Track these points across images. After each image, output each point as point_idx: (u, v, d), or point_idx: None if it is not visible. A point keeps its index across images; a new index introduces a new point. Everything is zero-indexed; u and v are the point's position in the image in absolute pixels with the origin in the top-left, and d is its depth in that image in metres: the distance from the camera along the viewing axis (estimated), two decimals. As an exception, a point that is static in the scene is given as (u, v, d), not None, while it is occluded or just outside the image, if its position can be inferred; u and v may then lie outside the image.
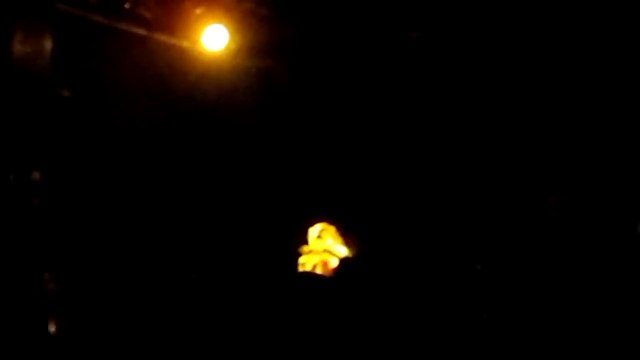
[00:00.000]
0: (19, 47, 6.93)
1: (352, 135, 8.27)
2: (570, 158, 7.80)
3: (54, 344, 6.66)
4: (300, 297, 6.31)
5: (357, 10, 7.81)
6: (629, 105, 7.66)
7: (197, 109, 8.04)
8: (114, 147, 7.63)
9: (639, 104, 7.62)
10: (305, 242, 6.79)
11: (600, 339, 6.41)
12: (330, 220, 6.75)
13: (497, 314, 6.87)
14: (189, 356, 6.98)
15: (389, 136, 8.22)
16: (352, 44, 8.06)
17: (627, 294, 6.65)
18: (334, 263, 6.58)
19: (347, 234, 6.73)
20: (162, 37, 7.61)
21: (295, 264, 6.58)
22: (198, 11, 7.50)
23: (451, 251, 7.54)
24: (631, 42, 7.56)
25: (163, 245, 7.63)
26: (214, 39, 7.57)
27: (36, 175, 6.94)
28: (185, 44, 7.64)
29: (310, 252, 6.68)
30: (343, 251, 6.63)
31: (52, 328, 6.69)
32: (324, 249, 6.63)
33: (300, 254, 6.69)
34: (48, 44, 7.04)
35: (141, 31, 7.52)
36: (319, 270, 6.50)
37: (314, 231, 6.72)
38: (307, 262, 6.60)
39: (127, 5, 7.37)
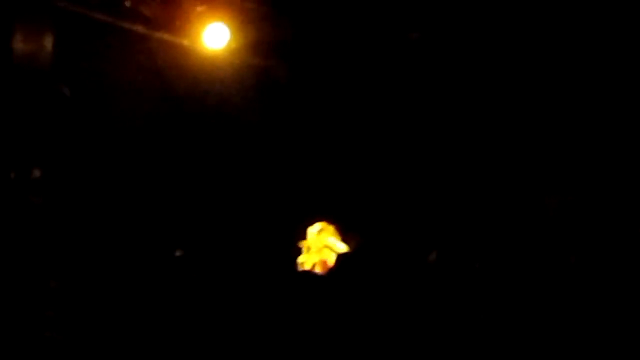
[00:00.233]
0: (19, 45, 6.95)
1: (352, 134, 8.27)
2: (570, 158, 7.80)
3: (53, 343, 6.68)
4: (299, 296, 6.32)
5: (357, 10, 7.81)
6: (628, 105, 7.66)
7: (198, 107, 8.03)
8: (114, 144, 7.63)
9: (639, 104, 7.62)
10: (304, 239, 6.79)
11: (601, 339, 6.42)
12: (330, 219, 6.75)
13: (496, 313, 6.87)
14: (191, 354, 6.99)
15: (389, 136, 8.22)
16: (352, 44, 8.06)
17: (627, 293, 6.66)
18: (332, 261, 6.58)
19: (346, 233, 6.73)
20: (162, 35, 7.61)
21: (295, 263, 6.58)
22: (199, 9, 7.49)
23: (450, 250, 7.54)
24: (631, 42, 7.55)
25: (163, 244, 7.64)
26: (214, 37, 7.56)
27: (36, 172, 6.95)
28: (185, 42, 7.63)
29: (309, 249, 6.68)
30: (342, 247, 6.63)
31: (52, 325, 6.71)
32: (323, 244, 6.62)
33: (299, 250, 6.68)
34: (49, 42, 7.06)
35: (142, 29, 7.51)
36: (318, 270, 6.50)
37: (313, 230, 6.71)
38: (307, 262, 6.59)
39: (127, 3, 7.37)
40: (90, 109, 7.49)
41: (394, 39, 8.05)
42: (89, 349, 6.86)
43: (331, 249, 6.61)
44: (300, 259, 6.60)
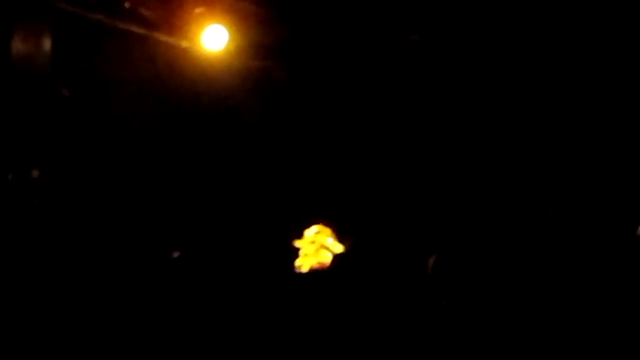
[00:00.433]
0: (18, 46, 6.95)
1: (351, 136, 8.27)
2: (570, 160, 7.79)
3: (53, 341, 6.68)
4: (297, 299, 6.33)
5: (356, 12, 7.81)
6: (628, 107, 7.65)
7: (196, 109, 8.04)
8: (112, 146, 7.64)
9: (638, 105, 7.61)
10: (302, 241, 6.79)
11: (601, 341, 6.41)
12: (327, 222, 6.75)
13: (495, 316, 6.87)
14: (188, 355, 6.99)
15: (388, 138, 8.21)
16: (351, 46, 8.06)
17: (626, 296, 6.65)
18: (329, 262, 6.59)
19: (343, 235, 6.73)
20: (161, 37, 7.61)
21: (292, 265, 6.58)
22: (198, 11, 7.49)
23: (448, 253, 7.54)
24: (630, 43, 7.54)
25: (161, 245, 7.64)
26: (213, 39, 7.57)
27: (35, 173, 6.95)
28: (184, 43, 7.63)
29: (306, 252, 6.68)
30: (339, 249, 6.63)
31: (52, 324, 6.71)
32: (320, 246, 6.63)
33: (296, 252, 6.69)
34: (47, 43, 7.06)
35: (141, 30, 7.51)
36: (315, 272, 6.50)
37: (310, 232, 6.72)
38: (304, 264, 6.60)
39: (126, 5, 7.37)
40: (89, 110, 7.49)
41: (393, 41, 8.05)
42: (88, 348, 6.87)
43: (328, 251, 6.62)
44: (297, 262, 6.61)
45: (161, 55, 7.72)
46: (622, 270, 6.80)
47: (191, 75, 7.84)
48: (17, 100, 6.99)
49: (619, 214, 7.39)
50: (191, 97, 7.96)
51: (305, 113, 8.35)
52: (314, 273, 6.55)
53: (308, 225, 6.70)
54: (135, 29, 7.50)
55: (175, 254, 7.53)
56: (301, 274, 6.52)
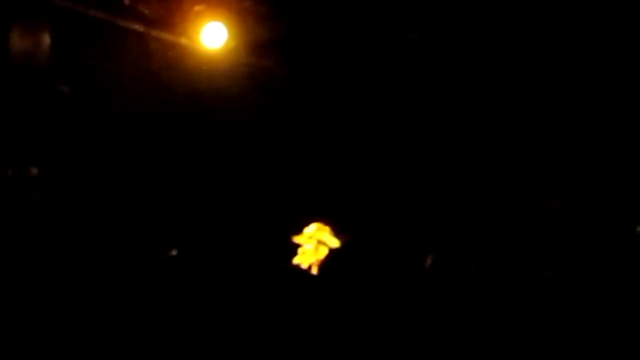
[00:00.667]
0: (17, 42, 6.94)
1: (350, 134, 8.27)
2: (570, 160, 7.80)
3: (52, 340, 6.67)
4: (295, 297, 6.32)
5: (355, 10, 7.80)
6: (628, 106, 7.66)
7: (195, 106, 8.03)
8: (111, 143, 7.63)
9: (638, 105, 7.61)
10: (300, 239, 6.79)
11: (600, 340, 6.41)
12: (326, 220, 6.75)
13: (494, 315, 6.87)
14: (186, 353, 6.99)
15: (388, 136, 8.22)
16: (351, 43, 8.06)
17: (626, 295, 6.65)
18: (328, 259, 6.58)
19: (342, 234, 6.73)
20: (160, 34, 7.61)
21: (291, 263, 6.58)
22: (197, 8, 7.49)
23: (447, 251, 7.54)
24: (630, 43, 7.55)
25: (159, 243, 7.63)
26: (212, 36, 7.56)
27: (34, 170, 6.95)
28: (183, 41, 7.63)
29: (305, 250, 6.68)
30: (338, 245, 6.63)
31: (49, 323, 6.70)
32: (319, 244, 6.62)
33: (295, 248, 6.69)
34: (46, 40, 7.05)
35: (140, 28, 7.51)
36: (314, 271, 6.50)
37: (309, 230, 6.72)
38: (303, 262, 6.60)
39: (126, 1, 7.37)
40: (88, 106, 7.48)
41: (392, 39, 8.05)
42: (86, 346, 6.86)
43: (326, 245, 6.61)
44: (296, 260, 6.60)
45: (160, 52, 7.72)
46: (623, 269, 6.80)
47: (190, 73, 7.84)
48: (16, 97, 6.98)
49: (619, 213, 7.40)
50: (190, 94, 7.95)
51: (305, 110, 8.35)
52: (312, 270, 6.54)
53: (307, 223, 6.70)
54: (134, 26, 7.50)
55: (174, 252, 7.52)
56: (300, 271, 6.51)
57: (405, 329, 6.09)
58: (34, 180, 6.93)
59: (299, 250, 6.64)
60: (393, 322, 6.07)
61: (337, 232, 6.61)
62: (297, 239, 6.63)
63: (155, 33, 7.59)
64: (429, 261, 6.89)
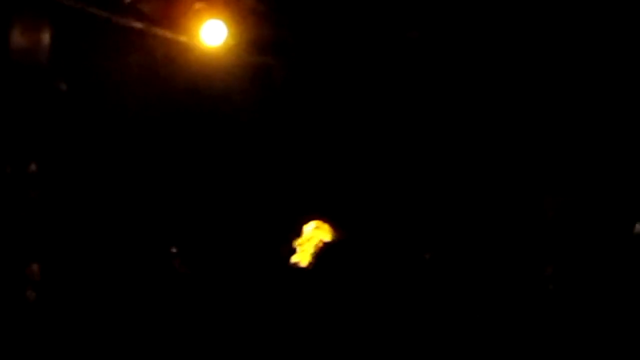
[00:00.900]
0: (17, 40, 6.95)
1: (349, 133, 8.27)
2: (568, 159, 7.81)
3: (45, 336, 6.68)
4: (294, 294, 6.33)
5: (355, 8, 7.81)
6: (626, 106, 7.66)
7: (195, 104, 8.04)
8: (111, 140, 7.63)
9: (637, 104, 7.62)
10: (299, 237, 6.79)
11: (599, 339, 6.43)
12: (325, 217, 6.75)
13: (493, 313, 6.88)
14: (186, 351, 7.00)
15: (387, 134, 8.22)
16: (350, 42, 8.06)
17: (624, 294, 6.66)
18: (327, 258, 6.58)
19: (341, 231, 6.73)
20: (160, 32, 7.61)
21: (289, 261, 6.58)
22: (197, 6, 7.49)
23: (448, 251, 7.56)
24: (630, 43, 7.55)
25: (159, 240, 7.64)
26: (212, 34, 7.57)
27: (33, 167, 6.96)
28: (183, 38, 7.63)
29: (304, 248, 6.68)
30: (337, 244, 6.63)
31: (44, 319, 6.71)
32: (318, 242, 6.62)
33: (294, 247, 6.69)
34: (46, 37, 7.06)
35: (139, 25, 7.52)
36: (313, 268, 6.49)
37: (308, 228, 6.71)
38: (302, 260, 6.59)
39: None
40: (87, 104, 7.49)
41: (392, 37, 8.06)
42: (85, 345, 6.87)
43: (326, 247, 6.61)
44: (295, 257, 6.60)
45: (160, 50, 7.73)
46: (620, 268, 6.82)
47: (190, 71, 7.84)
48: (16, 94, 6.99)
49: (617, 213, 7.41)
50: (189, 92, 7.96)
51: (304, 109, 8.36)
52: (311, 268, 6.55)
53: (306, 221, 6.70)
54: (134, 23, 7.50)
55: (173, 249, 7.54)
56: (299, 270, 6.52)
57: (405, 328, 6.11)
58: (33, 177, 6.94)
59: (298, 248, 6.63)
60: (392, 320, 6.08)
61: (335, 230, 6.61)
62: (295, 237, 6.63)
63: (155, 31, 7.60)
64: (427, 259, 6.91)
